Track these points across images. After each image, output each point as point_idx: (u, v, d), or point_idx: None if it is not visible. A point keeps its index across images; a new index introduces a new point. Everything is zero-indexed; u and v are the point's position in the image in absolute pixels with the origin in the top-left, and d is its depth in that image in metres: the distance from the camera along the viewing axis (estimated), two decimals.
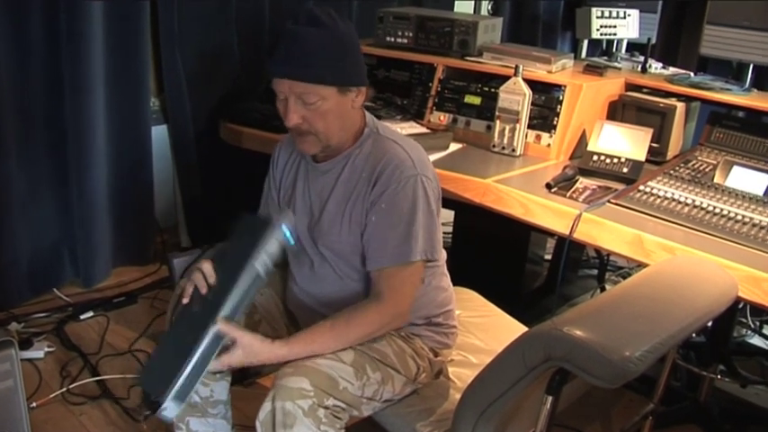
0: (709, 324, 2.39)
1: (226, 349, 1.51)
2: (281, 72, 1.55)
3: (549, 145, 2.41)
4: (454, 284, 1.87)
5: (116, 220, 2.99)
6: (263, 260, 1.51)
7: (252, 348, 1.52)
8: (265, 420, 1.47)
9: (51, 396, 2.30)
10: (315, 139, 1.62)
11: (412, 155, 1.63)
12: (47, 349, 2.52)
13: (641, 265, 1.84)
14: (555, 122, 2.41)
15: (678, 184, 2.09)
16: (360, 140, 1.67)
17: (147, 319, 2.79)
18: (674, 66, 2.97)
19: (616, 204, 2.02)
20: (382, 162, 1.61)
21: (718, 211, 1.94)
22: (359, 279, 1.69)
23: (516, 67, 2.35)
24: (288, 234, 1.55)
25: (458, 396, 1.50)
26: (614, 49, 3.44)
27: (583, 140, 2.41)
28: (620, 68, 2.80)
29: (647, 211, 1.97)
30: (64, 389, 2.34)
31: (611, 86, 2.53)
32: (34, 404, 2.22)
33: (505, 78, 2.38)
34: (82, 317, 2.77)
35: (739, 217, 1.90)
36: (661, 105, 2.36)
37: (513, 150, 2.39)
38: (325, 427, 1.46)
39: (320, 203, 1.71)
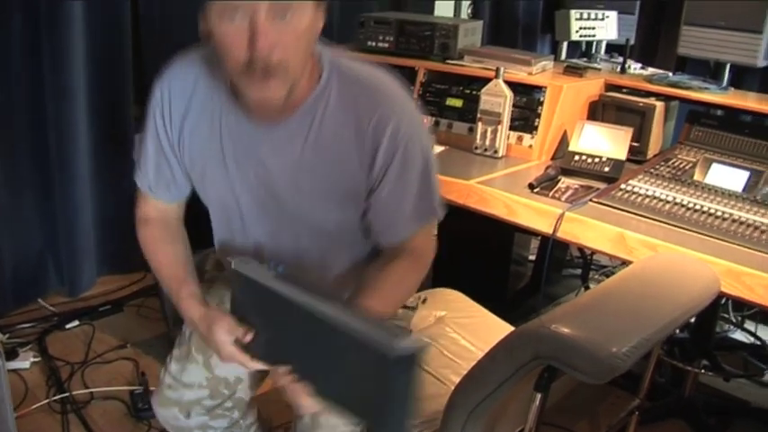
0: (692, 320, 2.42)
1: None
2: None
3: (530, 146, 2.42)
4: (439, 286, 1.88)
5: (100, 228, 2.98)
6: None
7: None
8: None
9: (37, 406, 2.29)
10: (284, 76, 1.23)
11: (405, 103, 1.41)
12: (32, 359, 2.51)
13: (624, 264, 1.86)
14: (536, 123, 2.43)
15: (659, 182, 2.12)
16: (319, 87, 1.33)
17: (132, 328, 2.78)
18: (652, 66, 3.00)
19: (598, 203, 2.03)
20: (374, 119, 1.33)
21: (698, 207, 1.96)
22: (343, 251, 1.52)
23: (497, 70, 2.36)
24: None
25: (446, 396, 1.51)
26: (593, 51, 3.47)
27: (564, 141, 2.43)
28: (599, 69, 2.83)
29: (628, 210, 1.99)
30: (50, 399, 2.33)
31: (591, 87, 2.55)
32: (15, 415, 2.20)
33: (486, 81, 2.40)
34: (67, 326, 2.76)
35: (719, 213, 1.93)
36: (640, 105, 2.39)
37: (496, 152, 2.40)
38: None
39: (286, 179, 1.39)
